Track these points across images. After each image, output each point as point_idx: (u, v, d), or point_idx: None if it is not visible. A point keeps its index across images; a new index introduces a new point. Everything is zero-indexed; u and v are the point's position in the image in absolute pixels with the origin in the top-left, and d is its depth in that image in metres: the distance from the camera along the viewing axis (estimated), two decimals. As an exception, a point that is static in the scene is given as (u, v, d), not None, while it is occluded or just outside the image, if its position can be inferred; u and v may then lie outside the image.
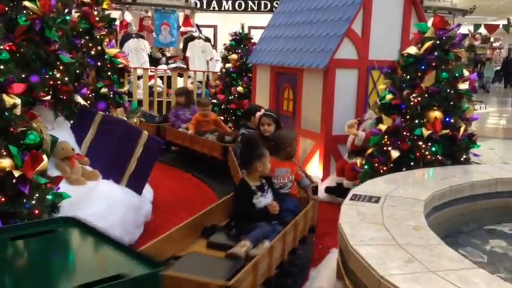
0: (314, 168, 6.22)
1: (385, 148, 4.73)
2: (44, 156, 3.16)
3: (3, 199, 2.91)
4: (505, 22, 19.79)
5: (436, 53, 4.69)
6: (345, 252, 2.70)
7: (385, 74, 5.04)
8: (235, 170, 5.22)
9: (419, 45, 4.82)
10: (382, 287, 2.18)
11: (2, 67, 3.01)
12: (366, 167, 4.92)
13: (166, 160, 7.49)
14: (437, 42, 4.71)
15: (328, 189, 5.77)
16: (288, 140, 4.23)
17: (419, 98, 4.65)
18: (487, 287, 2.10)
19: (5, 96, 2.97)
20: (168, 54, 13.15)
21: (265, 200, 3.64)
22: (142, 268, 1.87)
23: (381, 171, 4.67)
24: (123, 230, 4.08)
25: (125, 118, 4.81)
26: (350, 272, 2.63)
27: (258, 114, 5.17)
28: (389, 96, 4.83)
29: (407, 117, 4.69)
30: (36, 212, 3.04)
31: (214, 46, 14.56)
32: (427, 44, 4.72)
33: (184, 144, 7.31)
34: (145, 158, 4.47)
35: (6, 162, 2.94)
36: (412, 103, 4.68)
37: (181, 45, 12.89)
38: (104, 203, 3.97)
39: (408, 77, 4.78)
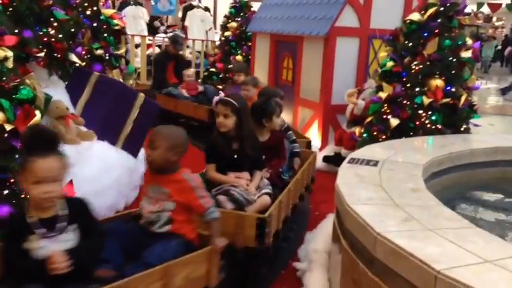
0: (312, 137, 6.16)
1: (384, 116, 4.67)
2: (37, 112, 3.09)
3: (-5, 153, 2.85)
4: (508, 1, 19.51)
5: (439, 20, 4.60)
6: (342, 212, 2.67)
7: (387, 41, 4.95)
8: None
9: (423, 12, 4.72)
10: (379, 243, 2.14)
11: (-7, 18, 2.91)
12: (364, 135, 4.87)
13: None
14: (441, 8, 4.62)
15: (326, 158, 5.73)
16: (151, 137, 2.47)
17: (420, 66, 4.57)
18: (486, 244, 2.07)
19: (-4, 48, 2.88)
20: (167, 23, 12.95)
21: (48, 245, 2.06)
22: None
23: (380, 139, 4.61)
24: (118, 192, 4.05)
25: (121, 80, 4.72)
26: (346, 231, 2.60)
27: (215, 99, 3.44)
28: (390, 64, 4.76)
29: (408, 85, 4.62)
30: (29, 167, 2.98)
31: (214, 18, 14.34)
32: (431, 11, 4.63)
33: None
34: (142, 120, 4.41)
35: (-2, 116, 2.87)
36: (413, 71, 4.61)
37: (180, 14, 12.69)
38: (99, 164, 3.92)
39: (410, 44, 4.70)
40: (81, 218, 2.09)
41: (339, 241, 2.78)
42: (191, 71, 7.09)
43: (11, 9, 3.54)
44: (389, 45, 4.90)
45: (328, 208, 4.39)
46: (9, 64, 2.93)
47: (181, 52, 7.75)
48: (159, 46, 10.50)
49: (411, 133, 4.51)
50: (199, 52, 10.50)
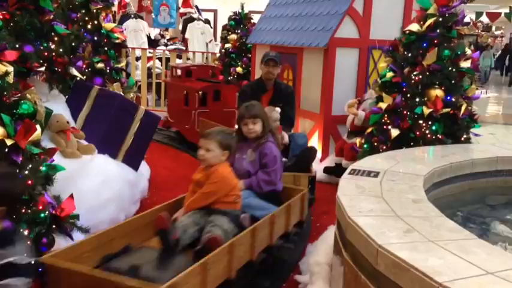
0: (313, 148, 6.16)
1: (385, 127, 4.67)
2: (38, 126, 3.09)
3: (-5, 168, 2.85)
4: (507, 10, 19.58)
5: (438, 30, 4.61)
6: (343, 224, 2.66)
7: (387, 51, 4.96)
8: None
9: (422, 23, 4.73)
10: (381, 255, 2.13)
11: (-6, 34, 2.93)
12: (365, 146, 4.86)
13: (164, 140, 7.45)
14: (440, 19, 4.63)
15: (326, 170, 5.72)
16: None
17: (420, 76, 4.57)
18: (488, 255, 2.05)
19: (-3, 64, 2.89)
20: (167, 36, 13.02)
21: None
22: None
23: (381, 150, 4.61)
24: (119, 206, 4.04)
25: (121, 93, 4.74)
26: (348, 243, 2.59)
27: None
28: (390, 74, 4.76)
29: (408, 95, 4.62)
30: (29, 182, 2.99)
31: (214, 30, 14.42)
32: (430, 21, 4.63)
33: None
34: (142, 133, 4.41)
35: (-1, 131, 2.87)
36: (413, 81, 4.60)
37: (180, 27, 12.76)
38: (100, 178, 3.91)
39: (410, 54, 4.70)
40: None
41: (341, 253, 2.76)
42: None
43: (11, 24, 3.56)
44: (389, 56, 4.90)
45: (329, 219, 4.38)
46: (10, 79, 2.94)
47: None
48: (160, 59, 10.54)
49: (412, 143, 4.51)
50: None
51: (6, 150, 2.90)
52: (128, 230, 2.92)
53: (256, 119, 3.43)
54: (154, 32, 13.01)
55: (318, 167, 5.80)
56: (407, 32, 4.76)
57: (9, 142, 2.87)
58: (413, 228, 2.34)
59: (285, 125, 4.83)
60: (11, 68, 2.94)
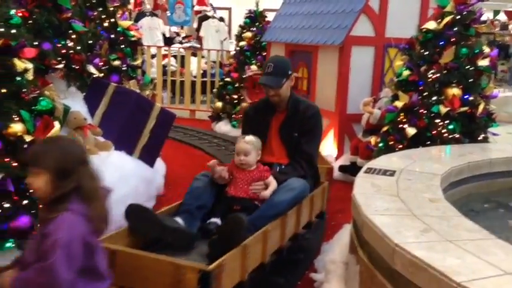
0: (328, 147, 6.15)
1: (401, 125, 4.64)
2: (56, 123, 3.14)
3: (14, 164, 2.90)
4: (526, 7, 19.33)
5: (455, 28, 4.57)
6: (359, 223, 2.65)
7: (403, 49, 4.93)
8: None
9: (439, 20, 4.69)
10: (397, 255, 2.12)
11: (13, 31, 2.97)
12: (380, 144, 4.84)
13: (178, 137, 7.49)
14: (458, 17, 4.59)
15: (342, 168, 5.71)
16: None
17: (437, 75, 4.54)
18: (506, 256, 2.03)
19: (16, 61, 2.93)
20: (182, 34, 13.07)
21: None
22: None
23: (396, 149, 4.58)
24: (135, 202, 4.05)
25: (138, 91, 4.77)
26: (363, 242, 2.58)
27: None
28: (406, 73, 4.73)
29: (425, 94, 4.59)
30: (48, 177, 3.02)
31: (229, 28, 14.44)
32: (447, 19, 4.60)
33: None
34: (158, 130, 4.44)
35: (18, 127, 2.92)
36: (429, 79, 4.57)
37: (195, 25, 12.80)
38: (116, 174, 3.94)
39: (426, 52, 4.67)
40: None
41: (356, 252, 2.75)
42: None
43: (30, 21, 3.60)
44: (405, 54, 4.87)
45: (344, 218, 4.37)
46: (29, 76, 2.98)
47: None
48: (175, 57, 10.58)
49: (428, 142, 4.47)
50: (214, 62, 10.57)
51: (25, 146, 2.94)
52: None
53: None
54: (169, 30, 13.07)
55: (332, 165, 5.79)
56: (424, 30, 4.73)
57: (28, 138, 2.91)
58: (430, 228, 2.33)
59: (292, 167, 3.31)
60: (30, 65, 2.98)
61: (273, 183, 3.07)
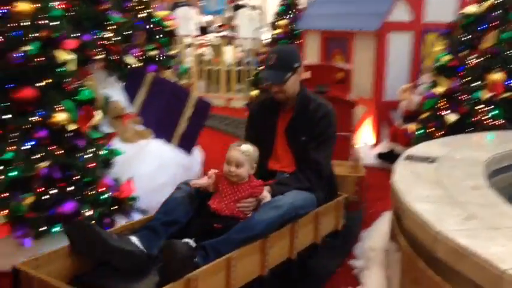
0: (366, 134, 6.08)
1: (440, 112, 4.54)
2: (97, 112, 3.21)
3: (60, 152, 2.99)
4: None
5: (497, 12, 4.42)
6: (399, 210, 2.62)
7: (443, 34, 4.81)
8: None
9: (480, 4, 4.56)
10: (439, 242, 2.09)
11: (55, 23, 3.05)
12: (419, 132, 4.76)
13: (215, 125, 7.55)
14: (499, 0, 4.44)
15: (380, 155, 5.64)
16: None
17: (478, 60, 4.41)
18: (555, 244, 1.97)
19: (58, 52, 3.02)
20: (217, 23, 13.10)
21: None
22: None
23: (436, 136, 4.49)
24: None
25: (175, 80, 4.83)
26: (404, 229, 2.55)
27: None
28: (446, 58, 4.62)
29: (465, 79, 4.47)
30: (91, 165, 3.11)
31: (263, 16, 14.39)
32: (488, 3, 4.47)
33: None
34: (195, 118, 4.50)
35: (62, 116, 3.01)
36: (470, 65, 4.45)
37: (229, 14, 12.81)
38: (155, 162, 4.02)
39: (467, 37, 4.54)
40: None
41: (397, 239, 2.73)
42: None
43: (70, 13, 3.69)
44: (445, 39, 4.76)
45: (383, 206, 4.32)
46: (71, 67, 3.06)
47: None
48: (210, 46, 10.63)
49: (469, 129, 4.37)
50: (249, 50, 10.56)
51: (69, 134, 3.03)
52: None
53: None
54: (203, 20, 13.11)
55: (370, 153, 5.73)
56: (465, 14, 4.60)
57: (71, 127, 3.00)
58: (473, 215, 2.28)
59: (295, 178, 2.81)
60: (71, 56, 3.06)
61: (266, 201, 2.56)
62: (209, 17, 13.23)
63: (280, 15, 8.27)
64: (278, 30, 8.20)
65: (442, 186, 2.69)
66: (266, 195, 2.58)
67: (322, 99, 2.99)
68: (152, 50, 4.86)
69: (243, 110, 8.75)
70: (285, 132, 2.90)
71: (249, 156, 2.57)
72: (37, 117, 2.94)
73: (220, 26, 12.73)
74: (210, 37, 11.03)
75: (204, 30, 12.32)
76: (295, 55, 2.88)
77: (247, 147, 2.60)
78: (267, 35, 10.41)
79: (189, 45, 10.28)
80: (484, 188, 2.71)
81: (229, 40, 10.48)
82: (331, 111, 2.92)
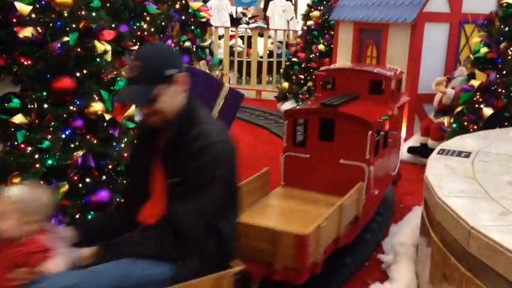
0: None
1: (476, 106, 4.45)
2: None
3: (95, 141, 3.06)
4: None
5: (539, 2, 4.29)
6: (432, 205, 2.59)
7: (481, 26, 4.69)
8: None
9: (522, -6, 4.42)
10: (473, 238, 2.06)
11: (93, 14, 3.11)
12: (454, 125, 4.67)
13: (245, 117, 7.58)
14: (542, -10, 4.30)
15: (411, 149, 5.56)
16: None
17: (518, 52, 4.29)
18: None
19: (96, 43, 3.07)
20: (249, 14, 13.10)
21: None
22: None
23: (471, 130, 4.41)
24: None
25: (207, 71, 4.86)
26: (436, 225, 2.52)
27: None
28: (484, 50, 4.51)
29: (504, 72, 4.36)
30: (126, 154, 3.17)
31: (295, 7, 14.31)
32: (531, -8, 4.32)
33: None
34: (227, 110, 4.51)
35: (98, 106, 3.06)
36: (509, 57, 4.33)
37: (262, 5, 12.78)
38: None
39: (507, 28, 4.42)
40: None
41: (428, 234, 2.70)
42: None
43: (108, 4, 3.75)
44: (484, 31, 4.64)
45: (413, 200, 4.28)
46: (108, 57, 3.11)
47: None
48: (242, 37, 10.65)
49: (506, 123, 4.26)
50: (280, 42, 10.53)
51: (105, 124, 3.10)
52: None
53: None
54: (236, 11, 13.14)
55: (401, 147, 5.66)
56: (505, 4, 4.47)
57: (107, 117, 3.06)
58: (508, 211, 2.24)
59: (146, 236, 1.94)
60: (109, 47, 3.11)
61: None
62: (241, 8, 13.24)
63: (312, 6, 8.20)
64: (310, 22, 8.15)
65: (476, 181, 2.65)
66: (52, 266, 1.72)
67: (210, 124, 2.08)
68: (186, 41, 4.90)
69: (274, 102, 8.76)
70: (162, 167, 2.05)
71: (18, 205, 1.75)
72: (74, 107, 3.01)
73: (252, 18, 12.72)
74: (242, 28, 11.04)
75: (236, 22, 12.33)
76: (168, 58, 2.03)
77: (18, 192, 1.81)
78: (299, 26, 10.36)
79: (221, 37, 10.32)
80: (520, 184, 2.65)
81: (261, 32, 10.46)
82: (215, 145, 1.91)
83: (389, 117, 3.73)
